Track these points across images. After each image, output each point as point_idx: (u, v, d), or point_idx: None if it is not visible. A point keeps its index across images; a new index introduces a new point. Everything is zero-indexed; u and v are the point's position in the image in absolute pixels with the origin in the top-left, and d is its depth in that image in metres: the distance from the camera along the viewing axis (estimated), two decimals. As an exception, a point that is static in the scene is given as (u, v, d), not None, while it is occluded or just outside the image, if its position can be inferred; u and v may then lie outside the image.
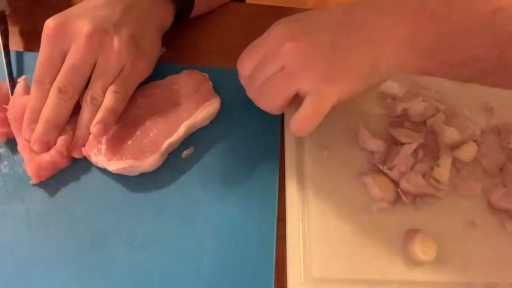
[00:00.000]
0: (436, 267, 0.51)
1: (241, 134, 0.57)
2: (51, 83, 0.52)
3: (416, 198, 0.54)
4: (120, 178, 0.53)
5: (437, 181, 0.54)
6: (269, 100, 0.50)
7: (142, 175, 0.54)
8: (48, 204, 0.52)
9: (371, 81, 0.47)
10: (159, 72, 0.58)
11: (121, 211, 0.52)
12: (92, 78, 0.52)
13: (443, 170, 0.54)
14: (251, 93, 0.52)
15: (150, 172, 0.54)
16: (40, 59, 0.52)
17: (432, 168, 0.55)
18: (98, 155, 0.52)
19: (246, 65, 0.51)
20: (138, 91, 0.57)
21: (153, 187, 0.54)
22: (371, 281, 0.50)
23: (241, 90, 0.59)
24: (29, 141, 0.52)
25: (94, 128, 0.51)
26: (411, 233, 0.52)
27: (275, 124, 0.58)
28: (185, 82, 0.57)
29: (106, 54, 0.52)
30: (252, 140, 0.57)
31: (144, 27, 0.55)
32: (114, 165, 0.52)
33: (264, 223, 0.52)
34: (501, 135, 0.58)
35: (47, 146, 0.52)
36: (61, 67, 0.52)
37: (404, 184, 0.53)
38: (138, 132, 0.54)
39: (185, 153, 0.55)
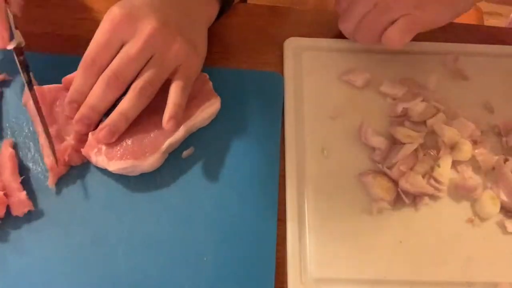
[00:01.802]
0: (436, 267, 0.51)
1: (241, 134, 0.57)
2: (101, 68, 0.52)
3: (416, 198, 0.54)
4: (120, 178, 0.53)
5: (437, 181, 0.54)
6: (366, 33, 0.57)
7: (142, 175, 0.54)
8: (48, 204, 0.52)
9: (459, 7, 0.56)
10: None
11: (121, 211, 0.52)
12: (145, 69, 0.52)
13: (443, 170, 0.54)
14: (347, 29, 0.59)
15: (150, 172, 0.54)
16: (96, 41, 0.51)
17: (432, 168, 0.55)
18: (98, 155, 0.52)
19: (341, 3, 0.59)
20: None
21: (153, 187, 0.54)
22: (371, 281, 0.50)
23: (241, 90, 0.60)
24: (71, 118, 0.53)
25: (168, 124, 0.51)
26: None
27: (275, 124, 0.58)
28: (185, 82, 0.57)
29: (164, 52, 0.52)
30: (252, 140, 0.57)
31: (200, 27, 0.56)
32: (114, 165, 0.52)
33: (264, 223, 0.52)
34: (501, 135, 0.58)
35: (89, 128, 0.53)
36: (115, 55, 0.52)
37: (403, 184, 0.53)
38: (139, 132, 0.54)
39: (185, 153, 0.55)
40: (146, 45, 0.51)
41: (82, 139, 0.54)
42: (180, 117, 0.53)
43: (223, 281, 0.49)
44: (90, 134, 0.53)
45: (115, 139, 0.52)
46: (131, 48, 0.51)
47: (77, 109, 0.53)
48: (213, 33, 0.65)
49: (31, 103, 0.53)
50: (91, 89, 0.52)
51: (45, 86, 0.55)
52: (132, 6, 0.52)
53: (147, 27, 0.51)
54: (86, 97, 0.52)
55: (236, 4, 0.67)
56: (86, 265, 0.49)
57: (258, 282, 0.49)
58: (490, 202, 0.53)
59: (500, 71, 0.63)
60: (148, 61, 0.52)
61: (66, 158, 0.52)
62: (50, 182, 0.52)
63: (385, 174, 0.54)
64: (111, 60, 0.52)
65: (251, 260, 0.50)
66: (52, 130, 0.53)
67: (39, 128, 0.53)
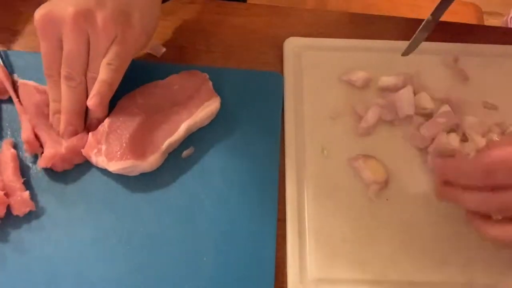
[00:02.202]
0: (436, 267, 0.51)
1: (241, 134, 0.57)
2: (59, 72, 0.52)
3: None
4: (120, 178, 0.53)
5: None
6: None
7: (142, 175, 0.54)
8: (48, 204, 0.52)
9: None
10: (159, 72, 0.59)
11: (121, 211, 0.52)
12: (89, 59, 0.52)
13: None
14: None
15: (150, 172, 0.54)
16: (42, 53, 0.53)
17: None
18: (98, 155, 0.52)
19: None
20: (138, 91, 0.57)
21: (153, 187, 0.54)
22: (371, 281, 0.50)
23: (241, 90, 0.60)
24: (57, 131, 0.54)
25: (90, 101, 0.51)
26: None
27: (275, 124, 0.58)
28: (185, 82, 0.57)
29: (93, 31, 0.51)
30: (252, 140, 0.57)
31: (139, 2, 0.53)
32: (114, 166, 0.52)
33: (264, 223, 0.52)
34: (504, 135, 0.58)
35: (76, 133, 0.54)
36: (62, 53, 0.52)
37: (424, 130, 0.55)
38: (138, 132, 0.54)
39: (185, 153, 0.56)
40: (75, 33, 0.50)
41: (74, 149, 0.53)
42: (106, 94, 0.52)
43: (223, 281, 0.49)
44: (90, 134, 0.54)
45: (104, 107, 0.53)
46: (65, 43, 0.51)
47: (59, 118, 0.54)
48: (213, 33, 0.65)
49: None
50: (59, 94, 0.53)
51: (42, 87, 0.56)
52: (49, 4, 0.52)
53: (66, 17, 0.50)
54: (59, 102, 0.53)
55: (236, 4, 0.67)
56: (86, 265, 0.49)
57: (258, 282, 0.49)
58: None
59: (500, 71, 0.63)
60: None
61: (49, 165, 0.52)
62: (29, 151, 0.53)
63: (374, 157, 0.55)
64: (61, 61, 0.52)
65: (251, 260, 0.50)
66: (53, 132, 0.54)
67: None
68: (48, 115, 0.55)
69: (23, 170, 0.53)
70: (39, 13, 0.51)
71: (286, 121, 0.58)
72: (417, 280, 0.50)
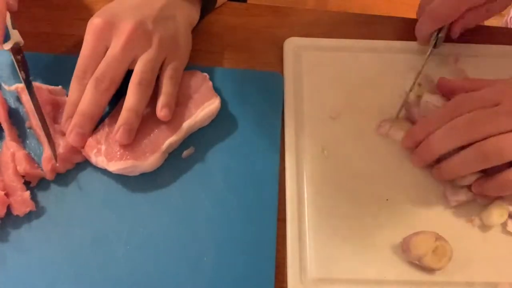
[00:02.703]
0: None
1: (241, 134, 0.57)
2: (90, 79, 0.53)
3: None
4: (120, 178, 0.53)
5: None
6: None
7: (142, 175, 0.54)
8: (48, 204, 0.52)
9: None
10: (159, 72, 0.58)
11: (121, 211, 0.52)
12: (136, 67, 0.53)
13: None
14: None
15: (150, 172, 0.54)
16: (83, 54, 0.53)
17: None
18: (98, 155, 0.52)
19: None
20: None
21: (153, 187, 0.54)
22: (371, 281, 0.50)
23: (241, 90, 0.60)
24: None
25: (161, 112, 0.53)
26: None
27: (275, 124, 0.58)
28: (185, 82, 0.57)
29: (146, 47, 0.54)
30: (252, 140, 0.57)
31: (179, 22, 0.58)
32: (114, 166, 0.52)
33: (264, 223, 0.52)
34: None
35: (83, 138, 0.53)
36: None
37: None
38: (138, 132, 0.54)
39: (185, 153, 0.55)
40: (127, 44, 0.53)
41: (73, 148, 0.53)
42: (172, 105, 0.54)
43: (223, 281, 0.49)
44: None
45: (132, 138, 0.53)
46: (113, 49, 0.53)
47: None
48: (213, 33, 0.65)
49: (29, 102, 0.53)
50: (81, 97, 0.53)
51: (45, 86, 0.56)
52: (110, 14, 0.54)
53: (125, 27, 0.53)
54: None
55: (236, 4, 0.67)
56: (86, 265, 0.49)
57: (258, 282, 0.49)
58: (498, 213, 0.53)
59: (500, 71, 0.62)
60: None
61: (49, 168, 0.52)
62: (49, 176, 0.52)
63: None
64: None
65: (251, 260, 0.50)
66: (53, 131, 0.54)
67: (37, 126, 0.54)
68: (48, 113, 0.54)
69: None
70: (98, 19, 0.53)
71: (286, 121, 0.58)
72: (417, 280, 0.50)
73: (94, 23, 0.53)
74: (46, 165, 0.52)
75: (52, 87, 0.56)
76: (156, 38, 0.54)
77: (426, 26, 0.59)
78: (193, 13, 0.61)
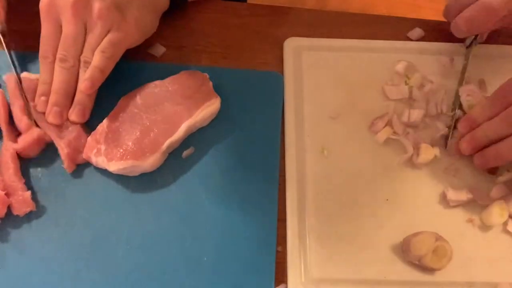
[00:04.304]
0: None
1: (241, 134, 0.57)
2: (54, 56, 0.55)
3: None
4: (120, 178, 0.53)
5: None
6: None
7: (143, 175, 0.54)
8: (49, 204, 0.52)
9: None
10: (159, 72, 0.58)
11: (121, 211, 0.52)
12: (85, 45, 0.55)
13: None
14: None
15: (151, 172, 0.54)
16: (41, 35, 0.55)
17: None
18: (98, 156, 0.52)
19: None
20: (138, 91, 0.57)
21: (153, 187, 0.54)
22: (371, 281, 0.50)
23: (241, 90, 0.60)
24: (43, 114, 0.55)
25: (82, 84, 0.54)
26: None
27: (275, 124, 0.58)
28: (185, 82, 0.57)
29: (90, 19, 0.55)
30: (252, 140, 0.57)
31: (139, 2, 0.57)
32: (114, 166, 0.52)
33: (264, 223, 0.52)
34: None
35: (61, 117, 0.55)
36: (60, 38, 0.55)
37: None
38: (138, 132, 0.54)
39: (185, 153, 0.55)
40: (73, 19, 0.54)
41: (75, 149, 0.54)
42: (97, 80, 0.54)
43: (223, 281, 0.49)
44: (89, 138, 0.54)
45: (93, 94, 0.55)
46: (64, 28, 0.55)
47: (46, 101, 0.55)
48: (213, 33, 0.65)
49: (11, 83, 0.56)
50: (51, 76, 0.55)
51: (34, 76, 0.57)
52: None
53: (67, 3, 0.54)
54: (50, 85, 0.55)
55: (236, 4, 0.67)
56: (86, 265, 0.49)
57: (258, 282, 0.49)
58: (498, 213, 0.53)
59: (500, 71, 0.63)
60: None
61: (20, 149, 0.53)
62: (69, 169, 0.53)
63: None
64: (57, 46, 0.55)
65: (251, 260, 0.50)
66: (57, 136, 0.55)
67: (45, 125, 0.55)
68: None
69: (23, 170, 0.53)
70: None
71: (286, 121, 0.58)
72: (417, 280, 0.50)
73: (40, 4, 0.55)
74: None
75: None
76: (97, 9, 0.54)
77: (461, 32, 0.60)
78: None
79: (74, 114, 0.54)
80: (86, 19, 0.55)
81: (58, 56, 0.54)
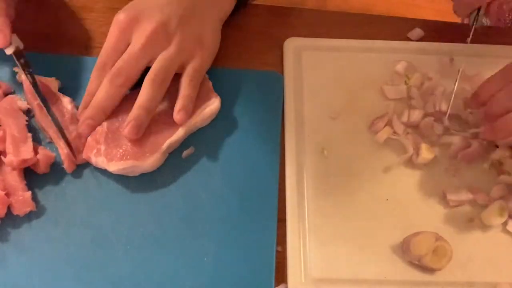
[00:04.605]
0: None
1: (241, 134, 0.57)
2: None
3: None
4: (120, 178, 0.53)
5: None
6: None
7: (142, 175, 0.54)
8: (49, 204, 0.52)
9: None
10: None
11: (121, 211, 0.52)
12: (153, 65, 0.54)
13: None
14: None
15: (151, 172, 0.54)
16: (105, 47, 0.54)
17: None
18: (97, 156, 0.52)
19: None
20: (138, 91, 0.56)
21: (153, 187, 0.54)
22: (371, 281, 0.50)
23: (241, 90, 0.60)
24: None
25: (178, 116, 0.53)
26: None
27: (275, 124, 0.58)
28: (185, 82, 0.57)
29: (166, 47, 0.54)
30: (252, 140, 0.57)
31: (207, 21, 0.58)
32: (114, 166, 0.52)
33: (264, 223, 0.52)
34: None
35: (93, 129, 0.53)
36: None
37: None
38: (138, 132, 0.54)
39: (185, 153, 0.55)
40: (146, 43, 0.53)
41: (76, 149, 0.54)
42: (189, 108, 0.54)
43: (223, 281, 0.49)
44: (89, 138, 0.54)
45: (141, 134, 0.53)
46: (132, 47, 0.53)
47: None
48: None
49: (37, 101, 0.54)
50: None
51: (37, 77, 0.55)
52: (136, 10, 0.55)
53: (147, 27, 0.53)
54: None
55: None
56: (86, 265, 0.49)
57: (258, 282, 0.49)
58: (498, 213, 0.53)
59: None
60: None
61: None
62: (68, 169, 0.53)
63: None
64: None
65: (251, 260, 0.50)
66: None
67: (47, 123, 0.54)
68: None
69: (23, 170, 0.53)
70: (124, 14, 0.54)
71: (286, 121, 0.58)
72: (417, 280, 0.50)
73: (119, 18, 0.54)
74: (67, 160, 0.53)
75: (45, 78, 0.56)
76: (177, 39, 0.54)
77: (463, 9, 0.61)
78: (226, 6, 0.61)
79: (127, 130, 0.52)
80: (158, 48, 0.54)
81: (113, 70, 0.53)
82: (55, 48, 0.61)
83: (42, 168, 0.52)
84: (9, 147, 0.52)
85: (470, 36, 0.61)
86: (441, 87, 0.60)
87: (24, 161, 0.51)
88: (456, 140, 0.57)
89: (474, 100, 0.56)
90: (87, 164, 0.54)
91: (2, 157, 0.52)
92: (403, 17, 0.68)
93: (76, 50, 0.61)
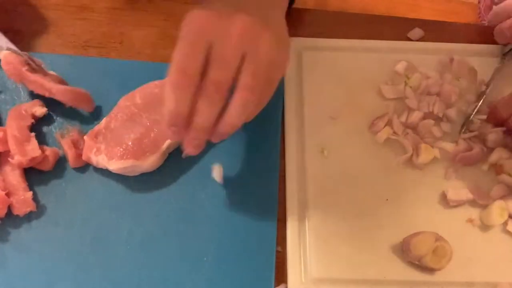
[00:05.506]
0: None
1: (241, 134, 0.57)
2: (192, 78, 0.44)
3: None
4: (120, 178, 0.53)
5: None
6: None
7: (142, 175, 0.54)
8: (49, 204, 0.52)
9: None
10: (159, 72, 0.58)
11: (121, 211, 0.52)
12: (243, 72, 0.45)
13: None
14: None
15: (150, 172, 0.54)
16: (181, 50, 0.45)
17: None
18: (98, 154, 0.52)
19: None
20: (138, 91, 0.57)
21: (153, 187, 0.54)
22: (371, 281, 0.50)
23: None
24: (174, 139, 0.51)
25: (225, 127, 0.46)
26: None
27: (275, 125, 0.58)
28: (185, 82, 0.57)
29: (254, 49, 0.45)
30: (252, 140, 0.57)
31: (279, 17, 0.51)
32: (115, 164, 0.52)
33: (264, 223, 0.52)
34: None
35: (201, 147, 0.47)
36: (204, 60, 0.45)
37: None
38: (138, 132, 0.54)
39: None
40: (239, 44, 0.45)
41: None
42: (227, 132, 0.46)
43: (223, 281, 0.49)
44: (85, 137, 0.54)
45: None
46: (224, 50, 0.45)
47: (179, 131, 0.46)
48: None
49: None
50: (188, 106, 0.45)
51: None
52: (213, 7, 0.47)
53: (237, 24, 0.45)
54: (185, 117, 0.45)
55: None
56: (86, 264, 0.49)
57: (258, 282, 0.49)
58: (498, 213, 0.53)
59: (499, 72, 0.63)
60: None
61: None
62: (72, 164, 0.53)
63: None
64: (201, 68, 0.45)
65: (251, 260, 0.50)
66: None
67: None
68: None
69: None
70: (201, 12, 0.46)
71: (286, 122, 0.58)
72: (417, 280, 0.50)
73: (195, 16, 0.46)
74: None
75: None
76: (266, 39, 0.46)
77: (505, 38, 0.63)
78: (283, 3, 0.53)
79: (191, 146, 0.47)
80: (246, 49, 0.45)
81: (211, 86, 0.44)
82: (55, 48, 0.61)
83: (49, 165, 0.53)
84: (13, 148, 0.52)
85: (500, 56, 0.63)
86: (436, 87, 0.60)
87: (33, 159, 0.51)
88: (460, 142, 0.57)
89: (493, 116, 0.56)
90: (87, 164, 0.54)
91: (9, 159, 0.52)
92: (403, 17, 0.68)
93: (76, 50, 0.61)
